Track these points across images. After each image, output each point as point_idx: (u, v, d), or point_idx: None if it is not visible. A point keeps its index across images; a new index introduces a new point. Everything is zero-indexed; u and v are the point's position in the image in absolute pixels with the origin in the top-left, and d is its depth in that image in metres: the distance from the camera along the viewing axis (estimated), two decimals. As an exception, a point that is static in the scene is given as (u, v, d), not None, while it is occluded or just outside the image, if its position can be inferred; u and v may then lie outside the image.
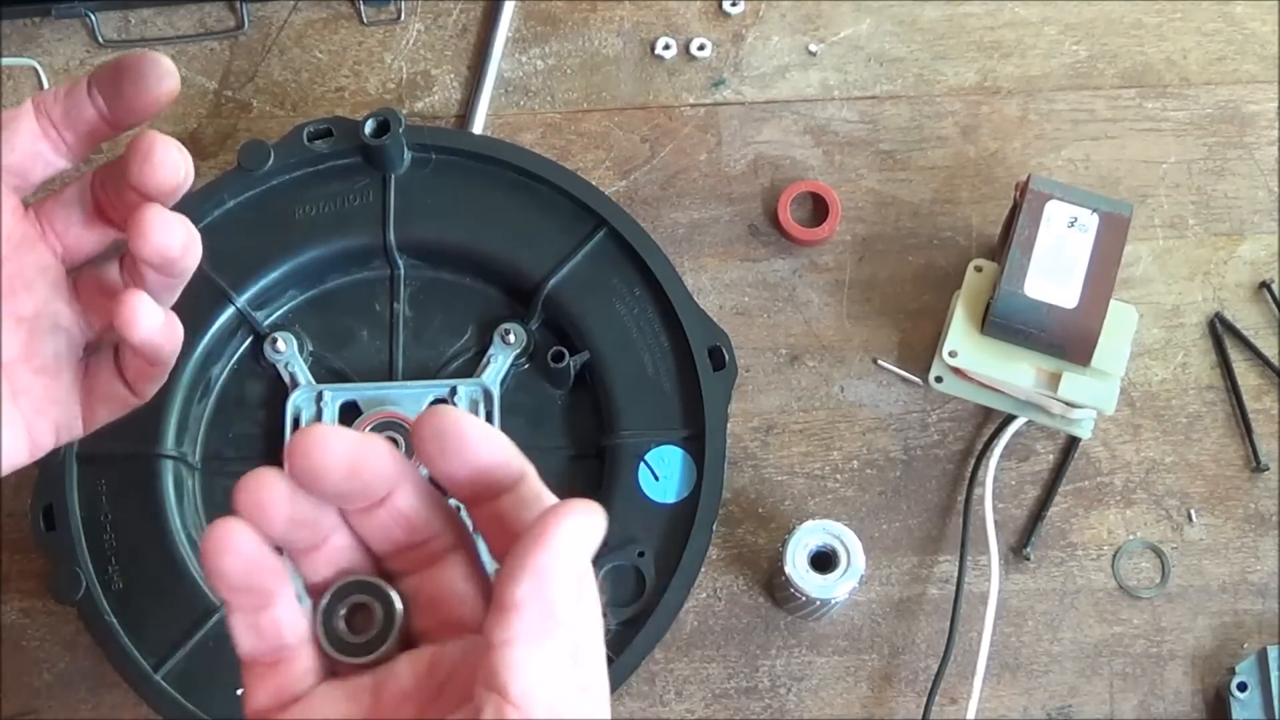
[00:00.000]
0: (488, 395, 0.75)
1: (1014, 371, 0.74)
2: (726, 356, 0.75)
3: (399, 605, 0.42)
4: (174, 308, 0.51)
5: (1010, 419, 0.76)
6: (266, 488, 0.40)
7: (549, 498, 0.42)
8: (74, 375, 0.50)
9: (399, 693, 0.41)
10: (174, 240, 0.47)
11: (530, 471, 0.42)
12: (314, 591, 0.42)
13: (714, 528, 0.73)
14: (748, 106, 0.84)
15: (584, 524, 0.39)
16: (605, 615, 0.41)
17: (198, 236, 0.48)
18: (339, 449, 0.40)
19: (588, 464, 0.76)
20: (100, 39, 0.85)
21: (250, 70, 0.84)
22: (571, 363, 0.75)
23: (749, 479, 0.77)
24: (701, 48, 0.84)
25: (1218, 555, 0.76)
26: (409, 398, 0.75)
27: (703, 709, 0.74)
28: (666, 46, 0.84)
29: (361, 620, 0.42)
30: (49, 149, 0.48)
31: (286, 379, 0.76)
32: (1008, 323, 0.72)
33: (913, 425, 0.78)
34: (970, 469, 0.76)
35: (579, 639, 0.39)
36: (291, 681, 0.42)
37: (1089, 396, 0.73)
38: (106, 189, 0.49)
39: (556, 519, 0.39)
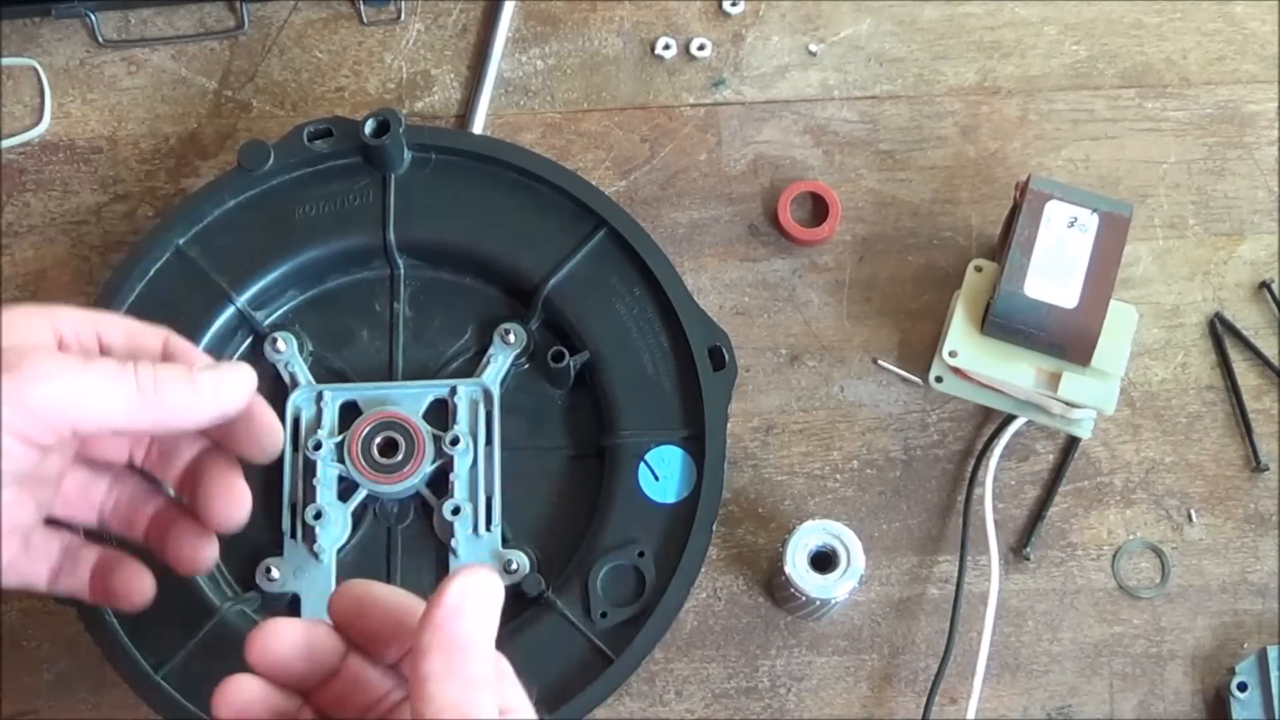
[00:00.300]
0: (488, 395, 0.75)
1: (1014, 371, 0.74)
2: (726, 356, 0.75)
3: None
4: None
5: (1010, 419, 0.76)
6: (244, 690, 0.47)
7: None
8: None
9: None
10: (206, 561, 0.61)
11: None
12: None
13: (714, 528, 0.73)
14: (748, 106, 0.83)
15: (471, 580, 0.45)
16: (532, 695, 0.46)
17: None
18: (291, 636, 0.47)
19: (588, 464, 0.75)
20: (100, 39, 0.85)
21: (250, 70, 0.84)
22: (571, 363, 0.75)
23: (749, 479, 0.77)
24: (701, 48, 0.84)
25: (1218, 555, 0.76)
26: (409, 398, 0.75)
27: (703, 709, 0.74)
28: (666, 46, 0.84)
29: None
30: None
31: (286, 379, 0.76)
32: (1008, 323, 0.72)
33: (913, 425, 0.78)
34: (970, 469, 0.76)
35: (490, 672, 0.44)
36: None
37: (1089, 396, 0.73)
38: (162, 460, 0.60)
39: (447, 582, 0.44)
